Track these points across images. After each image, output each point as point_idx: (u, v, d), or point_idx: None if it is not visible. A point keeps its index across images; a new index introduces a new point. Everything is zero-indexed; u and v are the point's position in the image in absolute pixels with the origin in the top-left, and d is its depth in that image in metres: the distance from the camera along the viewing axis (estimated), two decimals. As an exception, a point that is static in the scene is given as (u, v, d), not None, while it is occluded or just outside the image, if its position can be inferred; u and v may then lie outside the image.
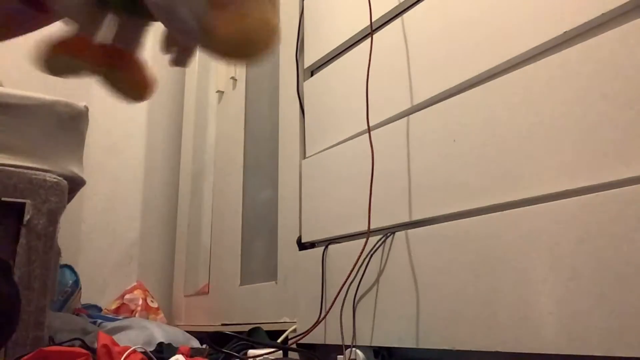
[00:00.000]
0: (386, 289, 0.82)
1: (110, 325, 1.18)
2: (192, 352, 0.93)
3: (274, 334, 1.06)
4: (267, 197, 1.28)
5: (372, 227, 0.82)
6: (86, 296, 1.44)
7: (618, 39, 0.58)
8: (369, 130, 0.86)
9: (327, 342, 0.91)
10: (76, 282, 1.37)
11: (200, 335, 1.25)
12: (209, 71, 1.69)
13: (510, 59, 0.70)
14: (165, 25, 0.38)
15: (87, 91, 1.63)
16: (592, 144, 0.59)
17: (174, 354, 0.85)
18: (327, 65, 1.07)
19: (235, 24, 0.33)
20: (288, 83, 1.20)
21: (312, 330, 0.89)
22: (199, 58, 1.70)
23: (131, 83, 0.41)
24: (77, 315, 1.26)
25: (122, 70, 0.41)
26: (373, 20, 0.91)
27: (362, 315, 0.84)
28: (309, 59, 1.12)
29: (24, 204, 0.88)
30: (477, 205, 0.71)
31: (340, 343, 0.85)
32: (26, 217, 0.87)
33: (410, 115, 0.84)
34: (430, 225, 0.77)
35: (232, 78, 1.54)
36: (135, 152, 1.72)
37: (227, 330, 1.18)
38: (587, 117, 0.60)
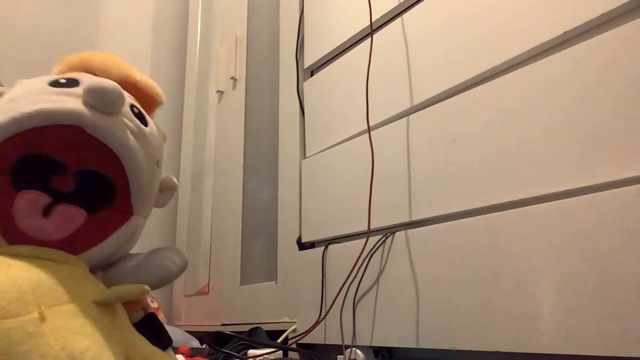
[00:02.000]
0: (386, 289, 0.82)
1: (110, 325, 1.18)
2: (192, 352, 0.93)
3: (274, 334, 1.06)
4: (267, 197, 1.28)
5: (372, 227, 0.82)
6: (86, 296, 1.43)
7: (618, 39, 0.58)
8: (369, 130, 0.86)
9: (327, 342, 0.91)
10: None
11: (200, 335, 1.25)
12: (209, 71, 1.69)
13: (510, 59, 0.70)
14: None
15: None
16: (593, 144, 0.59)
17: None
18: (327, 65, 1.07)
19: None
20: (288, 83, 1.20)
21: (312, 330, 0.89)
22: (199, 58, 1.71)
23: None
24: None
25: None
26: (373, 20, 0.91)
27: (362, 315, 0.84)
28: (309, 59, 1.12)
29: (24, 204, 0.88)
30: (477, 205, 0.71)
31: (340, 343, 0.85)
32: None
33: (410, 115, 0.84)
34: (430, 225, 0.77)
35: (232, 78, 1.54)
36: (135, 152, 1.72)
37: (227, 330, 1.18)
38: (587, 117, 0.60)
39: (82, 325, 0.32)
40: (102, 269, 0.43)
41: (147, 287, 0.38)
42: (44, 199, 0.42)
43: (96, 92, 0.43)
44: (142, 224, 0.50)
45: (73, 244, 0.42)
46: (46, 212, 0.42)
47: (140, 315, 0.45)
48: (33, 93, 0.44)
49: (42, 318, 0.31)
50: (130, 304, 0.42)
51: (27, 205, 0.42)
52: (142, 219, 0.49)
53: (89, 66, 0.49)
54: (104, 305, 0.35)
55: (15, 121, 0.41)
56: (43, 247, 0.39)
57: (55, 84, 0.45)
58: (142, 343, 0.38)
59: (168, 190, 0.54)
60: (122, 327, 0.36)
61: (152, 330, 0.43)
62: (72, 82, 0.45)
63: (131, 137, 0.45)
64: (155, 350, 0.39)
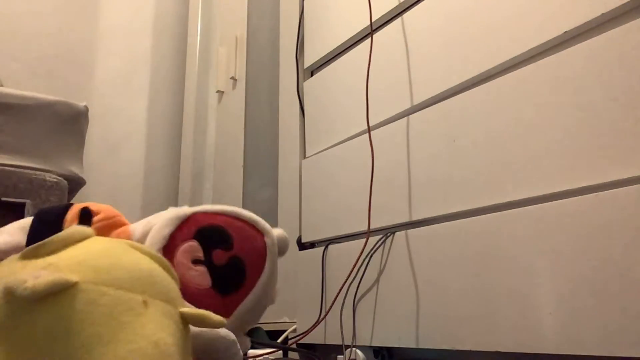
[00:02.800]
0: (386, 289, 0.82)
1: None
2: (192, 352, 0.93)
3: (274, 334, 1.06)
4: (267, 197, 1.28)
5: (372, 227, 0.82)
6: (86, 296, 1.43)
7: (618, 39, 0.58)
8: (369, 130, 0.86)
9: (327, 342, 0.91)
10: (76, 282, 1.36)
11: (200, 335, 1.24)
12: (209, 71, 1.69)
13: (510, 59, 0.70)
14: None
15: (87, 91, 1.63)
16: (593, 143, 0.59)
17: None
18: (327, 65, 1.07)
19: None
20: (288, 83, 1.20)
21: (312, 330, 0.89)
22: (199, 58, 1.71)
23: None
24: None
25: None
26: (373, 20, 0.91)
27: (362, 315, 0.84)
28: (309, 59, 1.12)
29: (24, 204, 0.88)
30: (477, 205, 0.71)
31: (340, 343, 0.85)
32: (26, 218, 0.87)
33: (410, 115, 0.84)
34: (430, 225, 0.77)
35: (232, 78, 1.54)
36: (135, 152, 1.72)
37: (227, 330, 1.17)
38: (588, 116, 0.60)
39: (168, 325, 0.37)
40: None
41: (225, 321, 0.42)
42: (199, 254, 0.55)
43: (284, 240, 0.62)
44: (223, 334, 0.54)
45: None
46: (194, 263, 0.54)
47: None
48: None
49: (145, 304, 0.35)
50: None
51: (190, 249, 0.55)
52: (226, 328, 0.54)
53: None
54: (185, 324, 0.40)
55: (234, 210, 0.59)
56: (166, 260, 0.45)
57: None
58: None
59: (245, 341, 0.60)
60: (186, 350, 0.40)
61: None
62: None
63: (275, 272, 0.59)
64: None
